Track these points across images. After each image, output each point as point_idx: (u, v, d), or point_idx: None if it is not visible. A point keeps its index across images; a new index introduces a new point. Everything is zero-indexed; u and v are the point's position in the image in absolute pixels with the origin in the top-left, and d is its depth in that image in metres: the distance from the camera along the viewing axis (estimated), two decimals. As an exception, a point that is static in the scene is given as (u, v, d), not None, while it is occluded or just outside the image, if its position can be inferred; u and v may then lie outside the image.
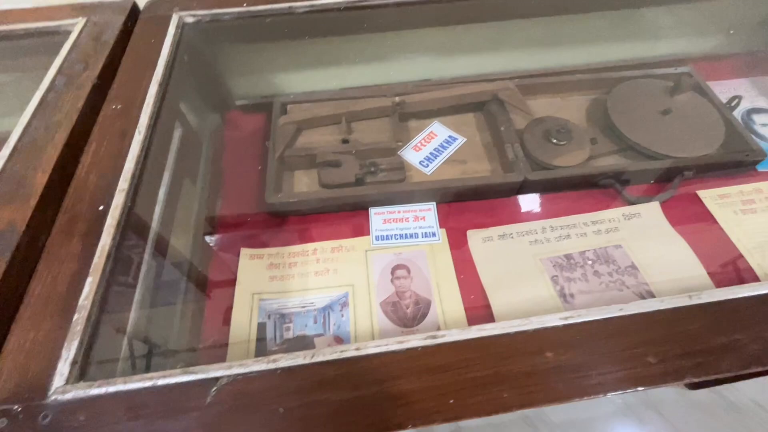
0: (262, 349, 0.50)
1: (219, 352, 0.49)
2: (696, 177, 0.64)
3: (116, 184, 0.38)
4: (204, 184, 0.62)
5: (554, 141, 0.63)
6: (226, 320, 0.51)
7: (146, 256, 0.51)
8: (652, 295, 0.53)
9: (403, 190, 0.61)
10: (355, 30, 0.72)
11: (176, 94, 0.51)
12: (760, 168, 0.65)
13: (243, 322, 0.52)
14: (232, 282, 0.55)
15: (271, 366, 0.30)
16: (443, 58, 0.75)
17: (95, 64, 0.46)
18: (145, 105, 0.43)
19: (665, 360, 0.31)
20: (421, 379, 0.28)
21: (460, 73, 0.76)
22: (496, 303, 0.53)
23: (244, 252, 0.58)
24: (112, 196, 0.38)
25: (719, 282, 0.53)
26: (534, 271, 0.56)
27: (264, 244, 0.59)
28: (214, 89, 0.68)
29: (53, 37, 0.51)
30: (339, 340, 0.51)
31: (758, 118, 0.72)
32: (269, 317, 0.53)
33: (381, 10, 0.67)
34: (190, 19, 0.55)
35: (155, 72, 0.47)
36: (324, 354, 0.30)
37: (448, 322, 0.52)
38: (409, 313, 0.53)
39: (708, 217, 0.60)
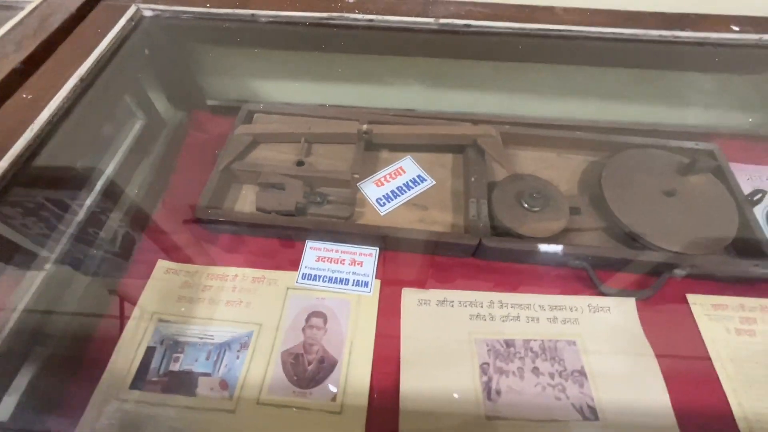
0: (141, 377, 0.46)
1: (96, 371, 0.45)
2: (691, 278, 0.54)
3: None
4: (147, 184, 0.59)
5: (525, 205, 0.55)
6: (116, 336, 0.48)
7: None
8: (594, 414, 0.44)
9: (344, 230, 0.55)
10: (350, 49, 0.67)
11: (116, 86, 0.48)
12: (775, 281, 0.54)
13: (132, 341, 0.48)
14: (138, 293, 0.51)
15: None
16: (435, 89, 0.68)
17: (27, 47, 0.43)
18: (54, 99, 0.40)
19: None
20: None
21: (452, 109, 0.69)
22: (407, 383, 0.46)
23: (161, 265, 0.54)
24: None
25: (683, 419, 0.44)
26: (464, 353, 0.48)
27: (186, 259, 0.55)
28: (180, 86, 0.66)
29: (7, 12, 0.50)
30: (224, 384, 0.46)
31: (788, 219, 0.60)
32: (162, 342, 0.48)
33: (373, 32, 0.62)
34: (149, 13, 0.53)
35: (83, 65, 0.44)
36: None
37: (348, 393, 0.45)
38: (309, 370, 0.47)
39: (692, 330, 0.50)
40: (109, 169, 0.59)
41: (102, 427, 0.42)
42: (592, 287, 0.53)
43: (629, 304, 0.52)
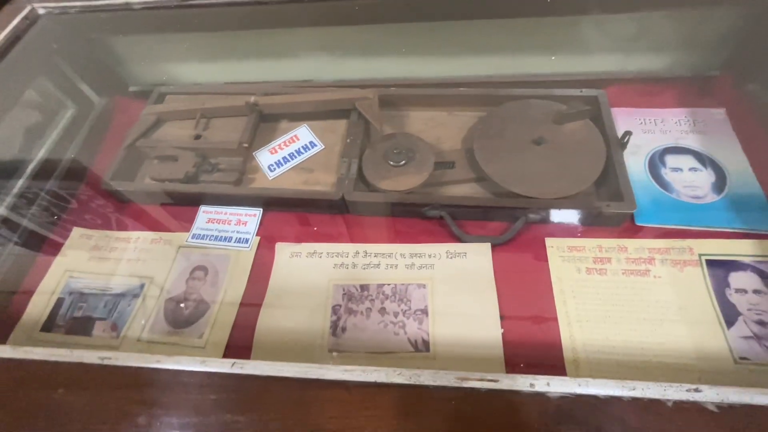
0: (51, 321, 0.55)
1: (15, 316, 0.55)
2: (546, 222, 0.55)
3: None
4: (70, 163, 0.68)
5: (390, 162, 0.58)
6: (33, 291, 0.57)
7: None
8: (426, 347, 0.48)
9: (228, 193, 0.61)
10: (256, 25, 0.71)
11: (23, 79, 0.56)
12: (641, 222, 0.54)
13: (46, 293, 0.57)
14: (55, 255, 0.60)
15: None
16: (331, 58, 0.71)
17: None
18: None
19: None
20: None
21: (348, 77, 0.72)
22: (264, 321, 0.51)
23: (77, 231, 0.63)
24: None
25: (510, 350, 0.46)
26: (320, 297, 0.53)
27: (98, 227, 0.63)
28: (101, 76, 0.73)
29: None
30: (114, 326, 0.54)
31: (673, 161, 0.59)
32: (70, 294, 0.57)
33: (269, 7, 0.66)
34: (42, 11, 0.60)
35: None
36: None
37: (214, 331, 0.52)
38: (185, 314, 0.54)
39: (543, 271, 0.52)
40: (41, 152, 0.68)
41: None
42: (454, 236, 0.56)
43: (485, 248, 0.54)
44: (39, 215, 0.64)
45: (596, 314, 0.48)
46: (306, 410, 0.33)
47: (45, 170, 0.67)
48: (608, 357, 0.45)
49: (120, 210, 0.64)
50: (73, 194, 0.67)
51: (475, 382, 0.33)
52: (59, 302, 0.56)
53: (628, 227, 0.54)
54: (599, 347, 0.46)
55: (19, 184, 0.65)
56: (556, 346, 0.47)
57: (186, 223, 0.62)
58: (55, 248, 0.61)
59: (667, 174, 0.58)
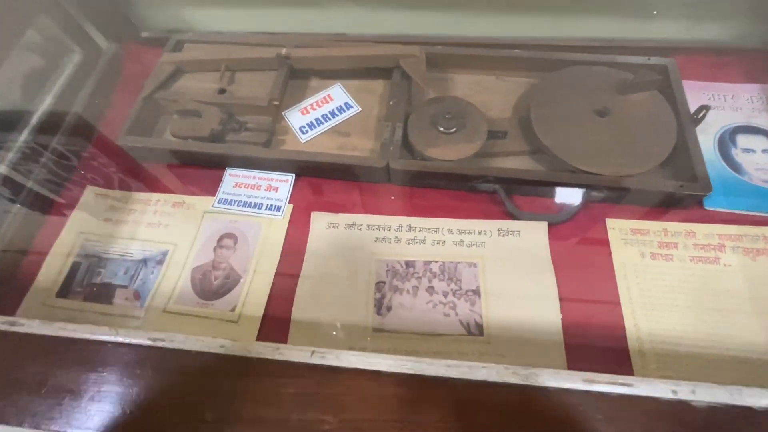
0: (67, 286, 0.50)
1: (27, 280, 0.50)
2: (610, 202, 0.51)
3: None
4: (79, 116, 0.61)
5: (440, 128, 0.52)
6: (46, 253, 0.52)
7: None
8: (480, 330, 0.45)
9: (258, 156, 0.55)
10: None
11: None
12: (710, 206, 0.50)
13: (60, 255, 0.52)
14: (69, 216, 0.55)
15: None
16: (368, 11, 0.64)
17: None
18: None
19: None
20: None
21: (386, 31, 0.65)
22: (302, 296, 0.48)
23: (90, 190, 0.57)
24: None
25: (571, 338, 0.43)
26: (362, 272, 0.49)
27: (114, 186, 0.58)
28: (111, 19, 0.65)
29: None
30: (137, 295, 0.50)
31: (744, 141, 0.54)
32: (86, 258, 0.52)
33: None
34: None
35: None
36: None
37: (247, 304, 0.48)
38: (215, 285, 0.50)
39: (605, 255, 0.48)
40: (47, 102, 0.61)
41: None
42: (507, 213, 0.52)
43: (541, 227, 0.50)
44: (46, 172, 0.58)
45: (662, 303, 0.45)
46: (407, 409, 0.29)
47: (50, 122, 0.61)
48: (676, 349, 0.42)
49: (136, 169, 0.59)
50: (83, 150, 0.61)
51: (604, 385, 0.29)
52: (75, 266, 0.52)
53: (694, 211, 0.50)
54: (666, 338, 0.43)
55: (23, 137, 0.59)
56: (619, 335, 0.44)
57: (209, 186, 0.57)
58: (67, 208, 0.56)
59: (738, 155, 0.53)
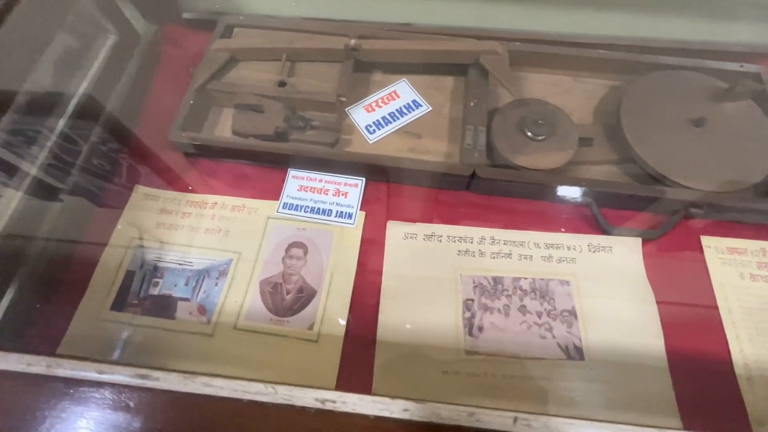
0: (122, 299, 0.46)
1: (79, 291, 0.46)
2: (709, 218, 0.49)
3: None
4: (122, 105, 0.56)
5: (528, 133, 0.49)
6: (96, 260, 0.47)
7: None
8: (580, 354, 0.42)
9: (327, 157, 0.51)
10: None
11: None
12: (807, 224, 0.48)
13: (111, 265, 0.47)
14: (116, 219, 0.50)
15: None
16: (437, 0, 0.59)
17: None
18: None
19: None
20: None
21: (455, 23, 0.61)
22: (386, 315, 0.44)
23: (139, 190, 0.52)
24: None
25: (676, 364, 0.41)
26: (448, 288, 0.46)
27: (164, 185, 0.53)
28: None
29: None
30: (202, 309, 0.46)
31: (837, 156, 0.52)
32: (141, 267, 0.48)
33: None
34: None
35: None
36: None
37: (325, 322, 0.44)
38: (287, 300, 0.46)
39: (701, 274, 0.46)
40: (82, 89, 0.55)
41: (85, 345, 0.43)
42: (595, 226, 0.49)
43: (634, 244, 0.47)
44: (87, 168, 0.52)
45: (767, 327, 0.43)
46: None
47: (88, 112, 0.55)
48: (787, 377, 0.41)
49: (188, 167, 0.54)
50: (125, 144, 0.55)
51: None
52: (129, 276, 0.47)
53: (793, 230, 0.48)
54: (774, 364, 0.41)
55: (58, 128, 0.53)
56: (724, 360, 0.42)
57: (269, 187, 0.52)
58: (114, 210, 0.50)
59: (831, 171, 0.51)
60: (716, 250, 0.47)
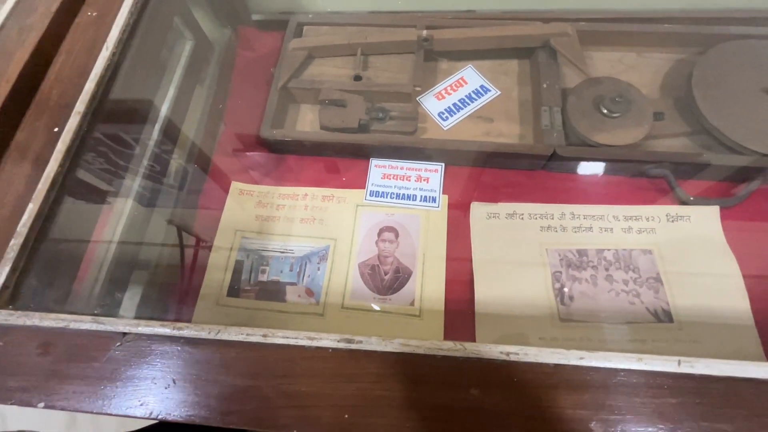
0: (235, 286, 0.51)
1: (196, 281, 0.50)
2: (785, 183, 0.50)
3: (74, 105, 0.36)
4: (206, 108, 0.59)
5: (605, 111, 0.51)
6: (207, 251, 0.52)
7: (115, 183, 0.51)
8: (669, 317, 0.45)
9: (408, 145, 0.54)
10: None
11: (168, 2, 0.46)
12: None
13: (222, 256, 0.52)
14: (218, 214, 0.54)
15: (176, 333, 0.29)
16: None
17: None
18: (118, 15, 0.39)
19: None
20: (322, 384, 0.26)
21: (517, 7, 0.62)
22: (481, 289, 0.48)
23: (235, 186, 0.56)
24: (67, 118, 0.36)
25: (762, 323, 0.44)
26: (535, 262, 0.49)
27: (256, 180, 0.57)
28: (221, 1, 0.62)
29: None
30: (310, 292, 0.50)
31: None
32: (248, 256, 0.52)
33: None
34: None
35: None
36: (229, 333, 0.28)
37: (425, 299, 0.48)
38: (386, 280, 0.50)
39: (779, 237, 0.48)
40: (170, 95, 0.59)
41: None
42: (671, 197, 0.51)
43: (712, 212, 0.49)
44: (182, 167, 0.57)
45: None
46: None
47: (178, 114, 0.59)
48: None
49: (276, 162, 0.57)
50: (214, 143, 0.59)
51: None
52: (239, 265, 0.52)
53: None
54: None
55: (156, 131, 0.57)
56: (808, 318, 0.44)
57: (353, 177, 0.56)
58: (215, 205, 0.55)
59: None
60: (794, 214, 0.49)
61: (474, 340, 0.45)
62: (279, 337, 0.28)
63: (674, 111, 0.54)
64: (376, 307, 0.48)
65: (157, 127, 0.56)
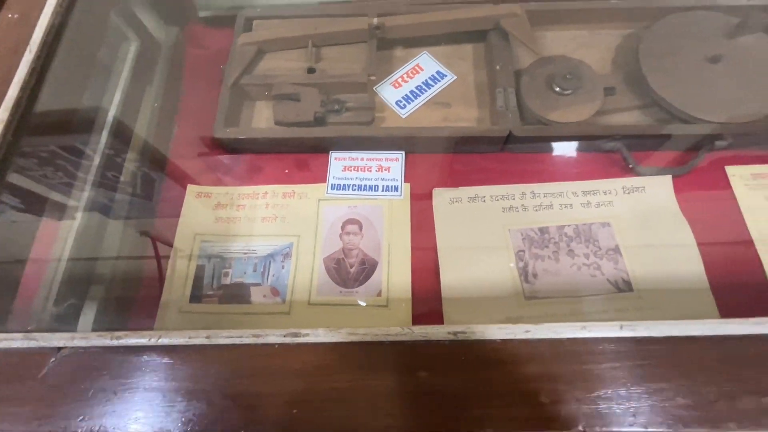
0: (197, 291, 0.49)
1: (156, 290, 0.49)
2: (733, 148, 0.52)
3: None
4: (157, 110, 0.57)
5: (557, 89, 0.51)
6: (166, 259, 0.50)
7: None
8: (629, 286, 0.46)
9: (367, 135, 0.53)
10: None
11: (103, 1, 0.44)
12: (823, 144, 0.52)
13: (182, 262, 0.50)
14: (176, 220, 0.53)
15: (114, 343, 0.28)
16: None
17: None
18: (41, 16, 0.37)
19: (561, 402, 0.25)
20: (269, 381, 0.25)
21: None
22: (447, 274, 0.48)
23: (191, 189, 0.54)
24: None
25: (717, 286, 0.45)
26: (499, 243, 0.49)
27: (215, 182, 0.55)
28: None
29: None
30: (275, 291, 0.49)
31: None
32: (209, 260, 0.51)
33: None
34: None
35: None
36: (171, 338, 0.27)
37: (392, 288, 0.48)
38: (352, 272, 0.49)
39: (730, 202, 0.50)
40: (116, 99, 0.57)
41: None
42: (627, 169, 0.52)
43: (665, 181, 0.51)
44: (136, 174, 0.54)
45: (795, 241, 0.47)
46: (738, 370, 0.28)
47: (127, 119, 0.56)
48: (817, 282, 0.45)
49: (233, 161, 0.56)
50: (168, 146, 0.57)
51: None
52: (200, 270, 0.50)
53: (807, 149, 0.52)
54: (805, 273, 0.46)
55: (103, 138, 0.54)
56: (759, 276, 0.46)
57: (314, 172, 0.55)
58: (173, 211, 0.53)
59: (841, 91, 0.54)
60: (741, 177, 0.51)
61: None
62: (223, 338, 0.27)
63: (625, 85, 0.55)
64: (343, 301, 0.48)
65: (104, 133, 0.54)
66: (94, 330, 0.42)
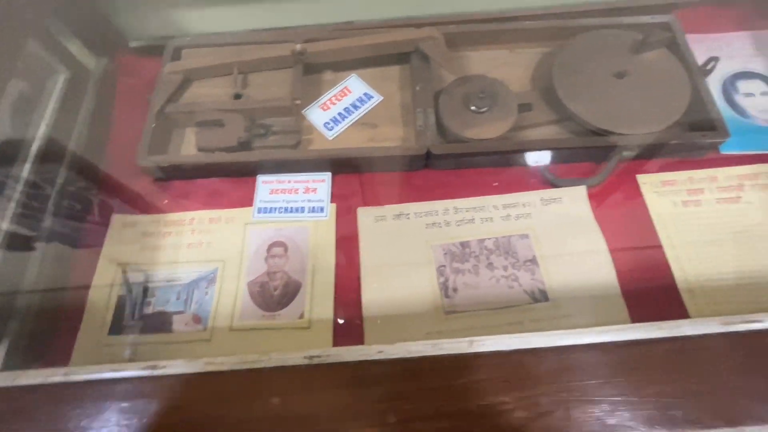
0: (118, 323, 0.48)
1: (73, 324, 0.47)
2: (642, 158, 0.54)
3: None
4: (86, 141, 0.57)
5: (473, 108, 0.53)
6: (85, 293, 0.49)
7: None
8: (545, 296, 0.47)
9: (293, 158, 0.54)
10: None
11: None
12: (725, 150, 0.54)
13: (101, 293, 0.50)
14: (99, 250, 0.52)
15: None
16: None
17: None
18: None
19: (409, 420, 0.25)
20: (118, 418, 0.25)
21: (393, 15, 0.64)
22: (369, 293, 0.48)
23: (118, 219, 0.54)
24: None
25: (627, 289, 0.47)
26: (421, 259, 0.50)
27: (142, 210, 0.55)
28: (99, 27, 0.60)
29: None
30: (197, 318, 0.49)
31: (744, 86, 0.59)
32: (132, 290, 0.50)
33: None
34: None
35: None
36: (28, 378, 0.27)
37: (314, 310, 0.48)
38: (275, 295, 0.49)
39: (641, 208, 0.52)
40: (41, 131, 0.56)
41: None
42: (545, 182, 0.54)
43: (580, 191, 0.52)
44: (61, 206, 0.54)
45: (700, 244, 0.49)
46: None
47: (52, 152, 0.56)
48: (721, 284, 0.47)
49: (160, 189, 0.56)
50: (96, 176, 0.57)
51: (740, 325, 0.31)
52: (121, 300, 0.49)
53: (713, 157, 0.54)
54: (710, 275, 0.47)
55: (25, 171, 0.54)
56: (668, 279, 0.47)
57: (241, 196, 0.55)
58: (96, 241, 0.52)
59: (741, 100, 0.57)
60: (651, 185, 0.53)
61: (363, 343, 0.46)
62: (81, 374, 0.27)
63: (542, 101, 0.57)
64: (265, 325, 0.47)
65: (26, 165, 0.54)
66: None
